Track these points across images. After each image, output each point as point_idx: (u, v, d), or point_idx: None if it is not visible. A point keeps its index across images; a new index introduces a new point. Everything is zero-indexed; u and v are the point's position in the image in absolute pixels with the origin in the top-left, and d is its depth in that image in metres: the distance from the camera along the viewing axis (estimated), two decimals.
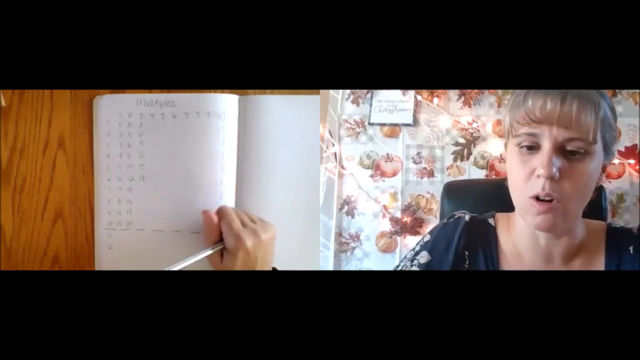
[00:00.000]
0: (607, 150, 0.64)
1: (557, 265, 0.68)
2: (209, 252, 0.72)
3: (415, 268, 0.71)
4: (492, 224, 0.73)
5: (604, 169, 0.66)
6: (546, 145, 0.60)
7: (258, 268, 0.72)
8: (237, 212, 0.74)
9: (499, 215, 0.74)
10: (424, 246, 0.73)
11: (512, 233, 0.71)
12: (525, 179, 0.62)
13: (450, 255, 0.70)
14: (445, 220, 0.75)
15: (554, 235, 0.67)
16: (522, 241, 0.69)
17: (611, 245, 0.68)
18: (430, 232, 0.75)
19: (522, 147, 0.63)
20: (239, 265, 0.71)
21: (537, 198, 0.61)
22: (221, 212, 0.73)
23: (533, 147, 0.62)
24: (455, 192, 1.03)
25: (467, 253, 0.70)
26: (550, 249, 0.68)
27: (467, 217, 0.73)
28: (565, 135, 0.60)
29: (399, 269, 0.74)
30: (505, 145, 0.69)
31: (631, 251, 0.67)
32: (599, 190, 0.97)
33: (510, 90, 0.68)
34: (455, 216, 0.74)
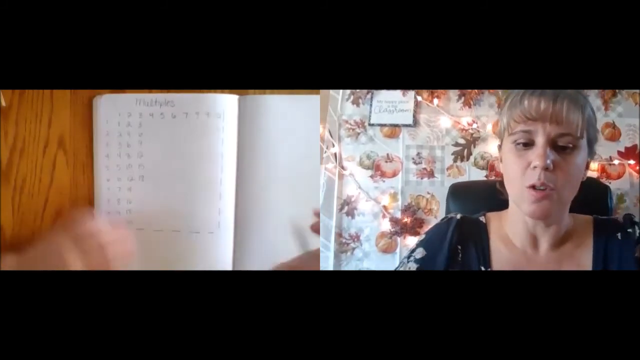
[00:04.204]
0: (590, 148, 0.71)
1: (546, 251, 0.73)
2: None
3: (412, 263, 0.75)
4: (484, 221, 0.78)
5: (587, 166, 0.72)
6: (540, 140, 0.67)
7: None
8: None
9: (489, 214, 0.79)
10: (419, 244, 0.78)
11: (504, 225, 0.76)
12: (522, 172, 0.68)
13: (444, 249, 0.74)
14: (438, 222, 0.81)
15: (545, 223, 0.71)
16: (514, 231, 0.74)
17: (599, 232, 0.73)
18: (426, 233, 0.81)
19: (518, 144, 0.69)
20: None
21: (533, 187, 0.67)
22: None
23: (528, 144, 0.68)
24: (460, 193, 1.04)
25: (460, 247, 0.75)
26: (540, 237, 0.73)
27: (458, 216, 0.78)
28: (557, 131, 0.67)
29: (398, 268, 0.77)
30: (500, 145, 0.75)
31: (619, 237, 0.72)
32: (605, 190, 0.99)
33: (507, 92, 0.72)
34: (448, 217, 0.80)
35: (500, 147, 0.75)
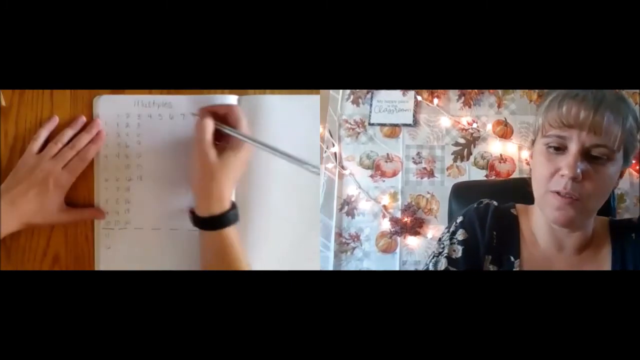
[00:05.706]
0: (627, 158, 0.68)
1: (568, 255, 0.72)
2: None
3: (457, 245, 0.74)
4: (514, 213, 0.77)
5: (621, 175, 0.70)
6: (573, 148, 0.64)
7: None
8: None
9: (518, 205, 0.78)
10: (459, 225, 0.76)
11: (531, 222, 0.75)
12: (549, 176, 0.66)
13: (485, 233, 0.74)
14: (475, 205, 0.79)
15: (569, 230, 0.71)
16: (539, 231, 0.74)
17: (615, 234, 0.73)
18: (463, 215, 0.78)
19: (549, 147, 0.67)
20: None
21: (557, 193, 0.65)
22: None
23: (560, 149, 0.66)
24: (463, 193, 1.04)
25: (495, 233, 0.74)
26: (564, 241, 0.72)
27: (495, 203, 0.78)
28: (592, 142, 0.64)
29: (442, 247, 0.76)
30: (532, 142, 0.73)
31: (634, 237, 0.72)
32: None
33: (545, 91, 0.72)
34: (485, 202, 0.78)
35: (533, 143, 0.73)
